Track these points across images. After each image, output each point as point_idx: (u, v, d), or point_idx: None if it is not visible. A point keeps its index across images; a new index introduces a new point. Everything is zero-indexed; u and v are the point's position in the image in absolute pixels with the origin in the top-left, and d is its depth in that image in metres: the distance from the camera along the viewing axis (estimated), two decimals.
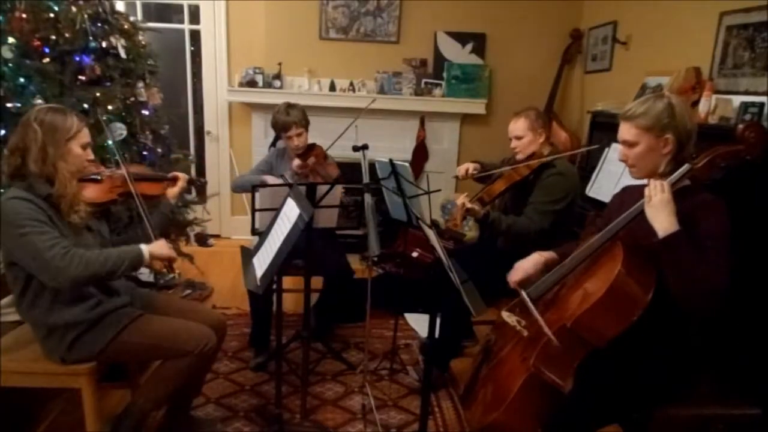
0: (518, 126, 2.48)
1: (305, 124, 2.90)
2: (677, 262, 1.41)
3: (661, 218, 1.42)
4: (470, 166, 2.64)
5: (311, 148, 2.97)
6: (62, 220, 1.70)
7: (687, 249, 1.40)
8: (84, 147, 1.75)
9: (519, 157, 2.48)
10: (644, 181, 1.62)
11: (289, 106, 2.88)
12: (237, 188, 3.02)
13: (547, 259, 1.81)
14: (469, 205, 2.26)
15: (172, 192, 2.10)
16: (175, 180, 2.12)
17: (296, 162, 2.88)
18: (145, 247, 1.75)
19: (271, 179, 2.78)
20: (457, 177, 2.67)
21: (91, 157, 1.80)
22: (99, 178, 1.89)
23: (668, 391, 1.56)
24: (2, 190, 1.71)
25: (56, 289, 1.66)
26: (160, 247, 1.79)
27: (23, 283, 1.69)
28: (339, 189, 2.59)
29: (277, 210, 1.90)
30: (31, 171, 1.65)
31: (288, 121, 2.83)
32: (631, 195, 1.66)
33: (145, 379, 2.06)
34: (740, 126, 1.56)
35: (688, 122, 1.55)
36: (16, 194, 1.64)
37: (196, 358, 1.80)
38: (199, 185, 2.25)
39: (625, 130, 1.60)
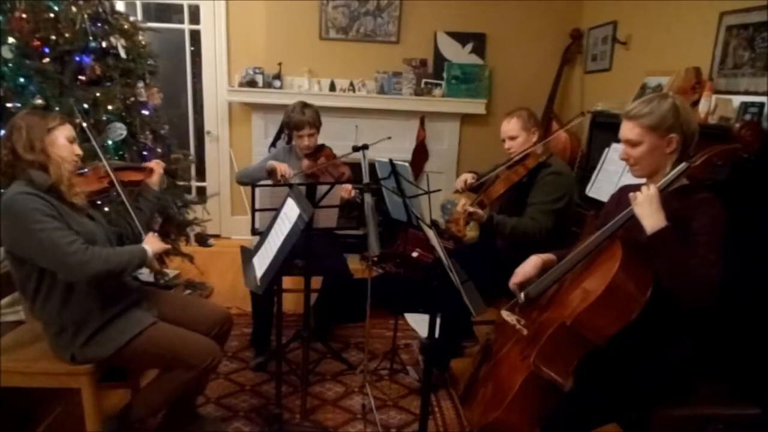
0: (511, 126, 2.48)
1: (318, 126, 2.89)
2: (667, 257, 1.41)
3: (648, 214, 1.44)
4: (468, 177, 2.63)
5: (320, 149, 2.97)
6: (69, 209, 1.72)
7: (676, 244, 1.41)
8: (70, 140, 1.78)
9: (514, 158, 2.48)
10: (643, 181, 1.63)
11: (305, 106, 2.86)
12: (243, 178, 2.93)
13: (545, 261, 1.81)
14: (471, 209, 2.26)
15: (153, 180, 2.15)
16: (151, 171, 2.16)
17: (305, 162, 2.88)
18: (147, 245, 1.83)
19: (277, 164, 2.77)
20: (457, 191, 2.66)
21: (79, 151, 1.82)
22: (86, 171, 1.96)
23: (667, 390, 1.56)
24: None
25: (68, 286, 1.69)
26: (154, 242, 1.88)
27: (36, 281, 1.69)
28: (348, 188, 2.60)
29: (277, 210, 1.90)
30: (24, 159, 1.67)
31: (302, 120, 2.81)
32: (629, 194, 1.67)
33: (145, 385, 2.06)
34: (737, 125, 1.56)
35: (692, 123, 1.56)
36: (21, 190, 1.63)
37: (200, 372, 1.83)
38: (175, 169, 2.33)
39: (628, 129, 1.59)
